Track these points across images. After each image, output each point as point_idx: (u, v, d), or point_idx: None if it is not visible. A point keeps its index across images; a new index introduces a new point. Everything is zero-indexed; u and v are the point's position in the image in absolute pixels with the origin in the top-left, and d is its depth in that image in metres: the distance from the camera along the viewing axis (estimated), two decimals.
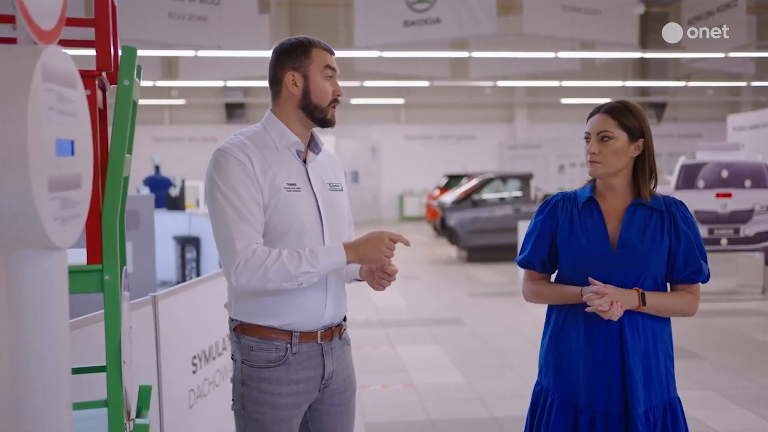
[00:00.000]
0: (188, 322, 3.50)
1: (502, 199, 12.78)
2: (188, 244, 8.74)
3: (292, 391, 2.06)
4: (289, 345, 2.05)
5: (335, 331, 2.15)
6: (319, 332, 2.10)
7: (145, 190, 11.30)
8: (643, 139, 2.21)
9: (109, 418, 1.73)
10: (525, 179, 12.61)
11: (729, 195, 8.89)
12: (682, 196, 8.94)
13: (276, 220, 2.04)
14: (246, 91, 22.28)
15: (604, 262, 2.18)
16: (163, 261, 8.61)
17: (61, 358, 1.35)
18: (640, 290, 2.15)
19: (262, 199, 2.02)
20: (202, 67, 15.99)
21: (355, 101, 21.64)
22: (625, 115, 2.20)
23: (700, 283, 2.26)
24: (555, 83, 18.92)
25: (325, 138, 18.89)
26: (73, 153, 1.37)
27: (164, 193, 10.39)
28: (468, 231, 11.90)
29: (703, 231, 8.76)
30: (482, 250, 11.93)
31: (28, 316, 1.28)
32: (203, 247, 8.52)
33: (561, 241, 2.27)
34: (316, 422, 2.18)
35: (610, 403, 2.16)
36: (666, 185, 9.37)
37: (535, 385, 2.35)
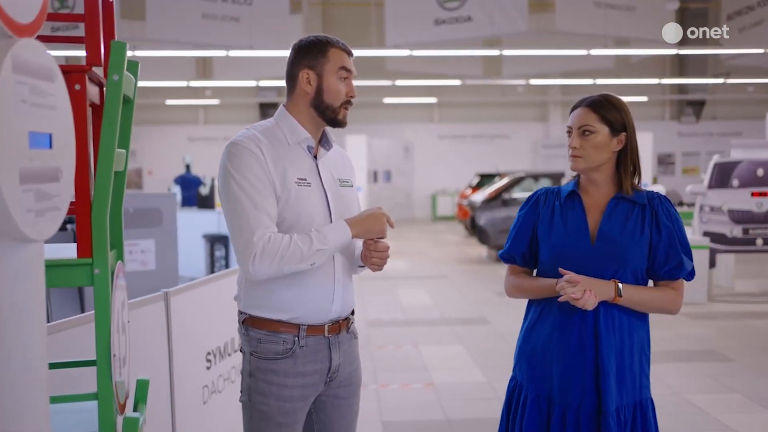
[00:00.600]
0: (202, 318, 3.52)
1: None
2: (217, 242, 8.82)
3: (298, 384, 2.08)
4: (296, 338, 2.07)
5: (343, 325, 2.17)
6: (326, 326, 2.12)
7: (176, 189, 11.44)
8: (625, 133, 2.18)
9: (99, 411, 1.74)
10: (556, 178, 12.46)
11: (765, 194, 8.66)
12: (715, 195, 8.76)
13: (286, 213, 2.06)
14: (279, 90, 22.43)
15: (582, 255, 2.15)
16: (192, 259, 8.71)
17: (36, 350, 1.36)
18: (617, 281, 2.11)
19: (275, 190, 2.04)
20: (235, 67, 16.17)
21: (387, 100, 21.65)
22: (606, 109, 2.16)
23: (683, 280, 2.21)
24: (589, 81, 18.67)
25: (357, 137, 18.95)
26: (51, 146, 1.37)
27: (195, 192, 10.50)
28: (498, 230, 11.80)
29: (737, 231, 8.56)
30: None
31: (2, 308, 1.28)
32: (232, 245, 8.59)
33: (541, 234, 2.25)
34: (320, 413, 2.20)
35: (582, 398, 2.12)
36: (701, 184, 9.18)
37: (510, 380, 2.33)
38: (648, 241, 2.16)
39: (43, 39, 1.87)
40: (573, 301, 2.05)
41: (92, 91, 1.82)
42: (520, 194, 12.63)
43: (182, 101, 21.66)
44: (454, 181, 22.15)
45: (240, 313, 2.15)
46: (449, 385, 5.21)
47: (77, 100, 1.69)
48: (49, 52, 1.37)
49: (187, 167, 12.90)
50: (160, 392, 3.13)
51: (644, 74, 20.20)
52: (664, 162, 23.18)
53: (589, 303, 2.04)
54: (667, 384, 5.20)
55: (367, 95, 21.73)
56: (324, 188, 2.12)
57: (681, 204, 13.25)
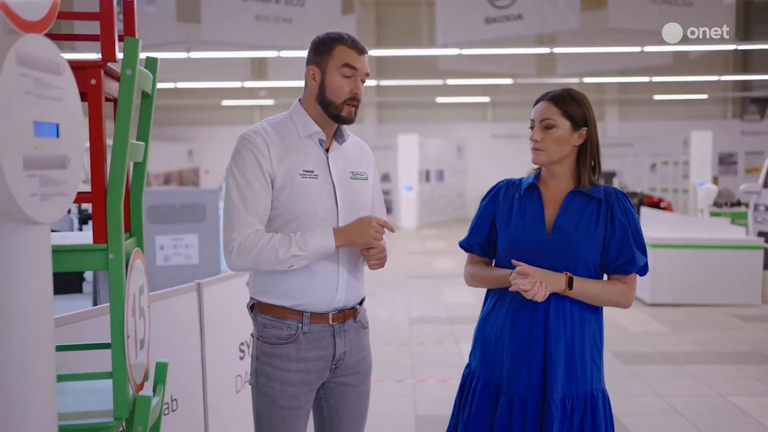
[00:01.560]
0: (234, 310, 3.61)
1: None
2: None
3: (302, 369, 2.14)
4: (300, 324, 2.13)
5: (348, 314, 2.21)
6: (330, 314, 2.16)
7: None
8: (586, 128, 2.19)
9: (113, 389, 1.83)
10: (606, 178, 12.25)
11: None
12: None
13: (288, 204, 2.11)
14: None
15: (537, 247, 2.17)
16: None
17: (43, 328, 1.45)
18: (569, 274, 2.13)
19: (274, 185, 2.11)
20: (290, 67, 16.42)
21: (440, 100, 21.62)
22: (568, 104, 2.18)
23: (636, 275, 2.21)
24: (645, 79, 18.31)
25: (409, 137, 18.98)
26: (57, 135, 1.46)
27: None
28: None
29: None
30: None
31: (9, 287, 1.37)
32: None
33: (500, 224, 2.28)
34: (329, 400, 2.25)
35: (529, 386, 2.14)
36: (756, 183, 8.92)
37: (465, 367, 2.35)
38: (602, 235, 2.17)
39: (66, 37, 1.98)
40: (523, 293, 2.08)
41: (113, 86, 1.91)
42: None
43: (238, 102, 22.07)
44: None
45: (250, 298, 2.22)
46: None
47: (93, 93, 1.79)
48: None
49: None
50: (193, 379, 3.24)
51: (704, 71, 19.68)
52: (726, 161, 22.50)
53: (539, 294, 2.07)
54: (711, 385, 5.08)
55: (419, 95, 21.76)
56: (332, 180, 2.16)
57: (738, 204, 12.87)
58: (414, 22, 17.61)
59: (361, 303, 2.28)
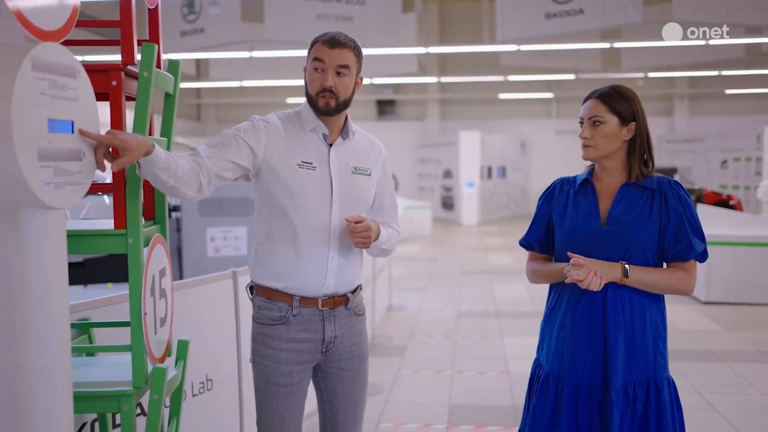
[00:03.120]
0: None
1: None
2: None
3: (292, 349, 2.29)
4: (290, 307, 2.28)
5: (339, 301, 2.34)
6: (320, 299, 2.30)
7: None
8: (635, 123, 2.25)
9: (132, 361, 2.04)
10: (668, 173, 12.02)
11: None
12: None
13: (283, 190, 2.25)
14: (396, 87, 22.83)
15: (593, 239, 2.24)
16: None
17: (58, 301, 1.65)
18: (624, 263, 2.18)
19: (262, 165, 2.25)
20: None
21: (503, 96, 21.51)
22: (615, 100, 2.25)
23: (695, 261, 2.25)
24: (714, 73, 17.77)
25: (471, 133, 18.98)
26: (72, 131, 1.66)
27: None
28: None
29: None
30: None
31: (27, 266, 1.58)
32: None
33: (556, 220, 2.35)
34: (327, 383, 2.39)
35: (593, 376, 2.21)
36: None
37: (534, 361, 2.43)
38: (657, 223, 2.22)
39: (91, 42, 2.19)
40: (578, 283, 2.15)
41: (134, 86, 2.11)
42: None
43: (303, 99, 22.46)
44: None
45: (250, 280, 2.39)
46: (524, 375, 5.24)
47: (114, 93, 1.99)
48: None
49: None
50: (228, 360, 3.45)
51: None
52: None
53: (594, 284, 2.13)
54: (754, 384, 5.02)
55: (482, 91, 21.70)
56: (330, 173, 2.29)
57: None
58: (476, 18, 17.61)
59: (354, 292, 2.39)
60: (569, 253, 2.21)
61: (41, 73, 1.53)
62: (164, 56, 2.26)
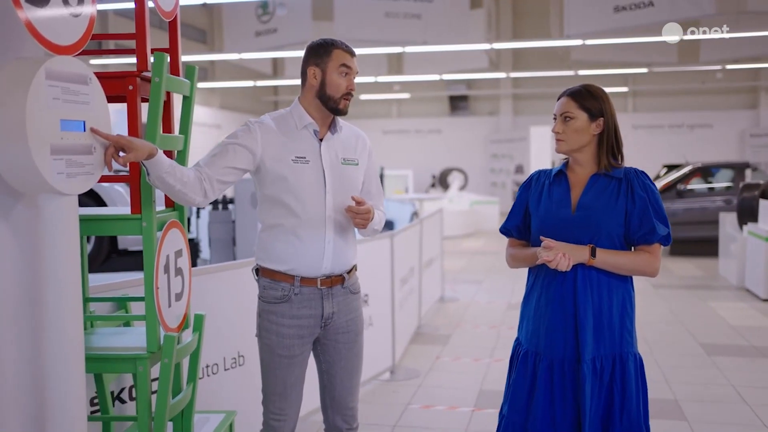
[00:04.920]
0: None
1: (711, 190, 11.96)
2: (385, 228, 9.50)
3: (294, 324, 2.54)
4: (292, 287, 2.54)
5: (336, 281, 2.58)
6: (318, 279, 2.55)
7: None
8: (603, 118, 2.42)
9: (146, 329, 2.34)
10: (739, 169, 11.70)
11: None
12: None
13: (282, 183, 2.49)
14: (468, 83, 22.89)
15: (563, 224, 2.43)
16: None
17: (71, 277, 1.96)
18: (592, 245, 2.36)
19: (261, 164, 2.49)
20: (426, 62, 16.90)
21: None
22: (585, 98, 2.43)
23: (659, 245, 2.40)
24: None
25: (541, 129, 18.85)
26: (84, 129, 1.96)
27: None
28: (670, 222, 11.36)
29: None
30: (686, 243, 11.34)
31: (42, 247, 1.89)
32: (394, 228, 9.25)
33: (532, 208, 2.55)
34: (325, 355, 2.65)
35: (566, 351, 2.40)
36: None
37: (514, 341, 2.62)
38: (623, 209, 2.40)
39: (109, 51, 2.50)
40: (548, 264, 2.35)
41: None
42: (698, 186, 12.01)
43: (374, 96, 22.83)
44: (648, 172, 21.21)
45: (255, 263, 2.65)
46: None
47: (131, 97, 2.29)
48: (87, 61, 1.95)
49: None
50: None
51: None
52: None
53: (561, 264, 2.33)
54: None
55: (554, 86, 21.49)
56: (322, 165, 2.54)
57: None
58: (547, 13, 17.48)
59: (350, 272, 2.63)
60: (541, 237, 2.40)
61: (54, 81, 1.83)
62: (183, 59, 2.57)
